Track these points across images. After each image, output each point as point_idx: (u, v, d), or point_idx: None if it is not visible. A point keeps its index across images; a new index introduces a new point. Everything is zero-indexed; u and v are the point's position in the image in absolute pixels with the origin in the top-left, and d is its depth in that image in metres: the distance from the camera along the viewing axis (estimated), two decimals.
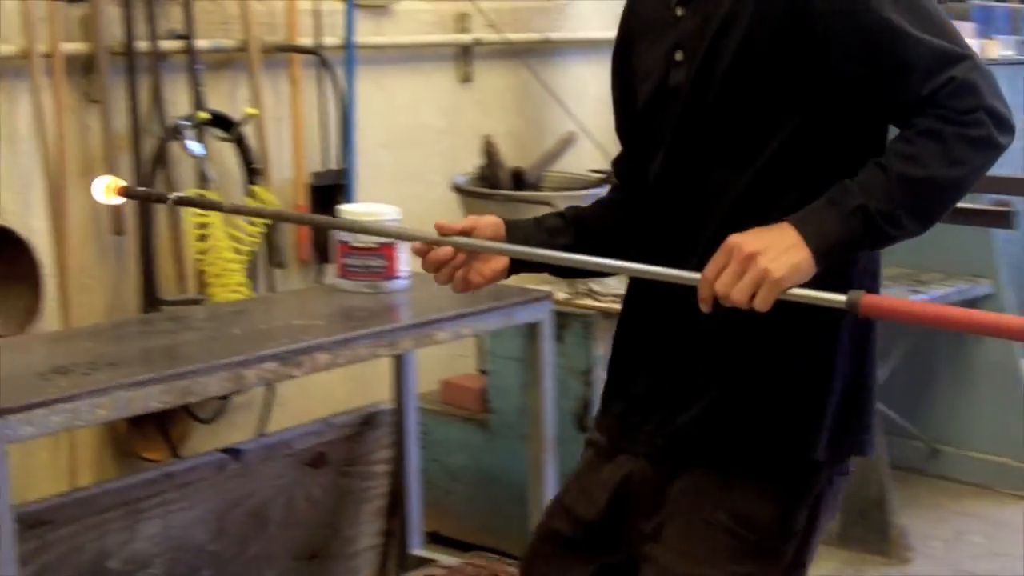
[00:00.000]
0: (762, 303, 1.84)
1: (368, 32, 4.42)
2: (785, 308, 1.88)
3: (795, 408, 2.04)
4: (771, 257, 1.83)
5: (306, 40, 4.19)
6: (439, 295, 3.17)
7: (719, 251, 1.87)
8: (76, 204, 3.69)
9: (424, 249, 2.10)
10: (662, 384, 2.11)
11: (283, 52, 4.15)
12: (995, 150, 1.88)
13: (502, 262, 2.14)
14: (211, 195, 3.87)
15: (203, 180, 3.93)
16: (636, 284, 2.18)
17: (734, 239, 1.86)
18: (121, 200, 2.16)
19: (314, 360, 2.91)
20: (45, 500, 3.01)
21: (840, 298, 1.81)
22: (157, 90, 3.81)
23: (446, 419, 4.29)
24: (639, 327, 2.17)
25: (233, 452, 3.37)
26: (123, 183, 2.14)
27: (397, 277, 3.35)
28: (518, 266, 2.17)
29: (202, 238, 3.84)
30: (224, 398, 3.97)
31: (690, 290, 1.91)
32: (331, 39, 4.26)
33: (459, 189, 4.23)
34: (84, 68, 3.72)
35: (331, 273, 4.25)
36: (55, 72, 3.57)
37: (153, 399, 2.63)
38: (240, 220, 3.93)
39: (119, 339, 2.96)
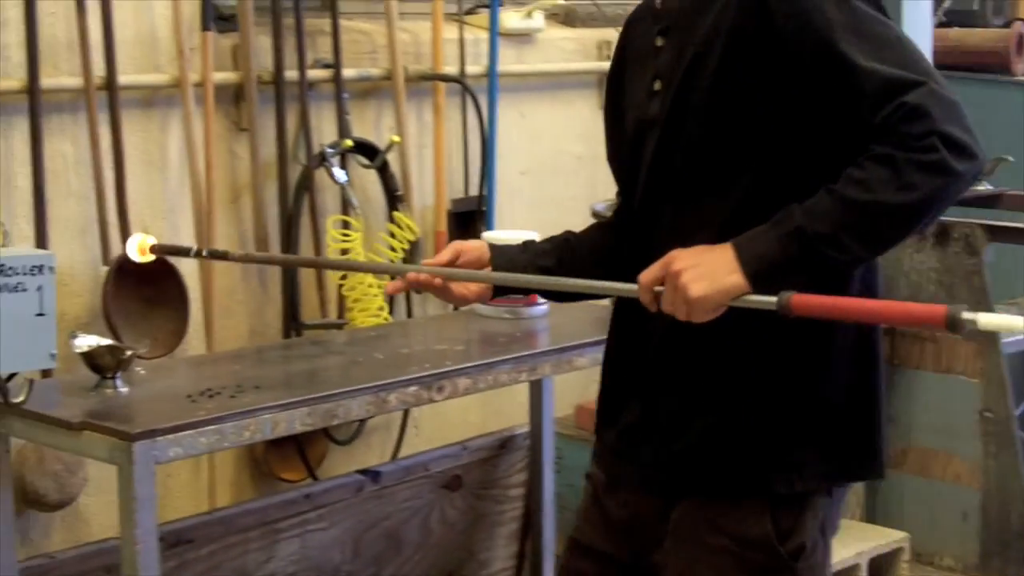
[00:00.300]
0: (694, 319, 1.90)
1: (511, 60, 4.46)
2: (771, 329, 1.93)
3: (769, 440, 2.03)
4: (695, 277, 1.87)
5: (450, 69, 4.23)
6: (578, 321, 3.20)
7: (660, 260, 1.92)
8: (222, 230, 3.76)
9: (410, 283, 2.17)
10: (653, 412, 2.11)
11: (427, 80, 4.19)
12: (952, 176, 1.85)
13: (483, 284, 2.21)
14: (354, 221, 3.94)
15: (346, 207, 3.98)
16: (619, 310, 2.19)
17: (674, 253, 1.91)
18: (150, 258, 2.32)
19: (455, 385, 2.94)
20: (186, 519, 3.07)
21: (771, 299, 1.85)
22: (304, 118, 3.87)
23: (580, 443, 4.28)
24: (625, 354, 2.17)
25: (371, 474, 3.41)
26: (153, 241, 2.31)
27: (536, 303, 3.37)
28: (500, 288, 2.23)
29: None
30: (362, 421, 4.01)
31: (670, 321, 1.94)
32: (474, 68, 4.31)
33: (598, 216, 4.24)
34: (234, 97, 3.80)
35: None
36: (206, 101, 3.65)
37: (297, 421, 2.67)
38: (381, 245, 3.98)
39: (263, 363, 3.01)
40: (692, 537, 2.09)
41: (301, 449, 3.90)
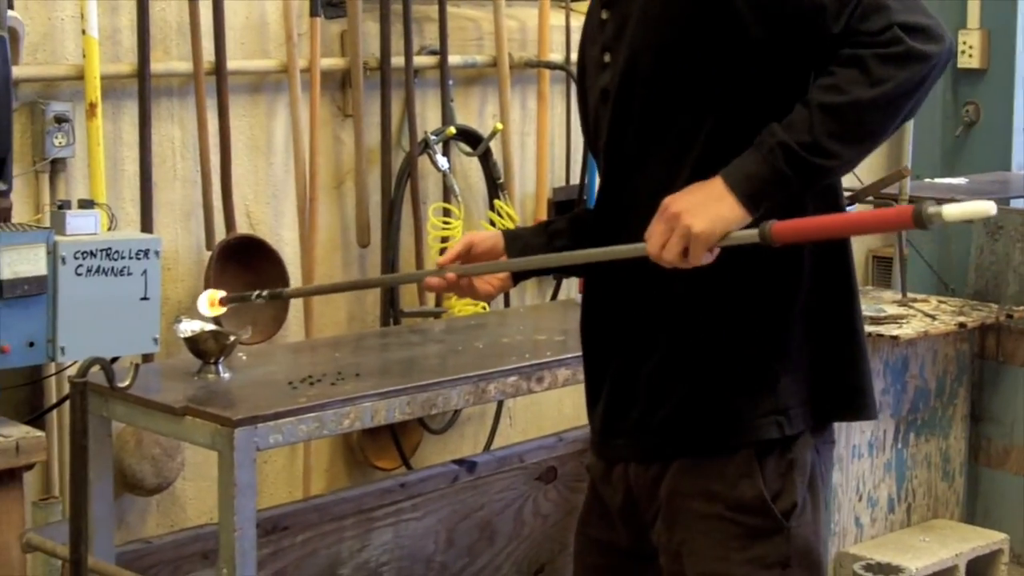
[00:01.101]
0: (693, 259, 1.90)
1: None
2: (740, 280, 1.97)
3: (751, 388, 2.02)
4: (693, 213, 1.88)
5: (556, 56, 4.20)
6: None
7: (656, 213, 1.92)
8: (325, 216, 3.77)
9: (434, 286, 2.20)
10: (633, 382, 2.09)
11: (532, 68, 4.17)
12: (921, 61, 1.87)
13: (503, 274, 2.22)
14: (455, 209, 3.93)
15: (448, 194, 3.98)
16: (588, 290, 2.19)
17: (666, 200, 1.92)
18: (223, 310, 2.39)
19: (555, 375, 2.93)
20: (281, 506, 3.09)
21: (752, 232, 1.87)
22: (409, 105, 3.86)
23: None
24: (598, 330, 2.16)
25: (466, 464, 3.41)
26: (221, 295, 2.38)
27: None
28: (520, 274, 2.25)
29: (444, 251, 3.88)
30: (457, 410, 4.01)
31: (639, 287, 2.01)
32: None
33: None
34: (340, 83, 3.80)
35: (567, 288, 4.28)
36: (312, 86, 3.65)
37: (397, 410, 2.67)
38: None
39: (362, 350, 3.02)
40: (684, 509, 2.07)
41: (396, 438, 3.90)
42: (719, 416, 2.04)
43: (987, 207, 1.77)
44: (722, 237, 1.89)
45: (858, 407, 2.11)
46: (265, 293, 2.27)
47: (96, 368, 2.06)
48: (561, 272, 2.56)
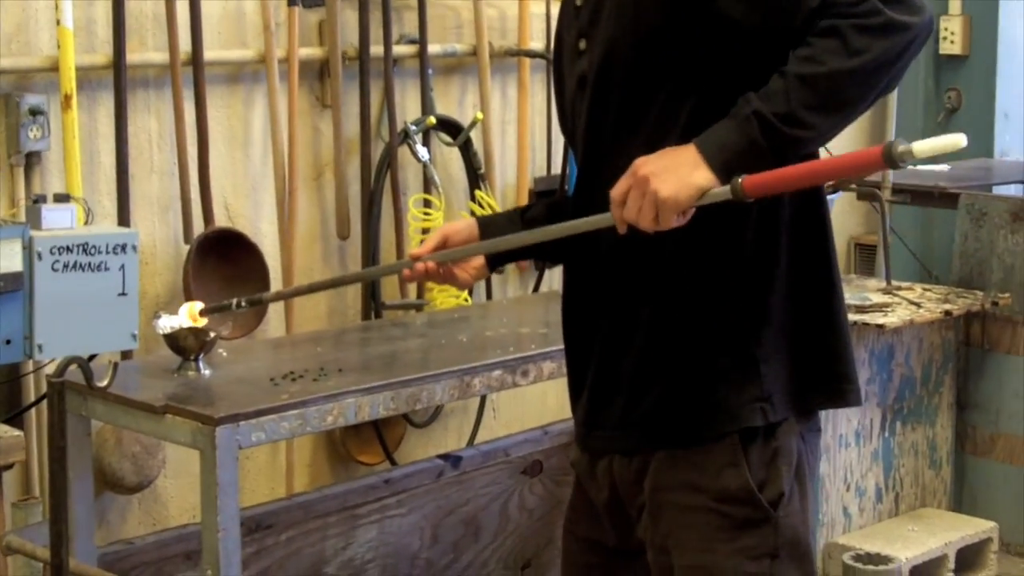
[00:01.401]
0: (663, 223, 1.87)
1: None
2: (719, 264, 1.95)
3: (734, 375, 2.00)
4: (663, 178, 1.85)
5: (536, 44, 4.17)
6: None
7: (625, 174, 1.89)
8: (304, 207, 3.74)
9: (409, 277, 2.22)
10: (615, 375, 2.07)
11: (513, 56, 4.14)
12: (901, 32, 1.85)
13: (479, 259, 2.21)
14: (436, 200, 3.90)
15: (428, 185, 3.94)
16: (568, 281, 2.17)
17: (637, 161, 1.89)
18: (203, 322, 2.52)
19: (540, 369, 2.90)
20: (265, 504, 3.05)
21: (724, 189, 1.85)
22: (388, 95, 3.82)
23: None
24: (579, 324, 2.13)
25: (451, 459, 3.37)
26: (201, 307, 2.51)
27: None
28: (496, 260, 2.23)
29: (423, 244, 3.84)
30: (440, 404, 3.97)
31: (618, 277, 2.00)
32: None
33: None
34: (318, 73, 3.76)
35: (548, 280, 4.24)
36: (290, 77, 3.61)
37: (380, 406, 2.64)
38: None
39: (344, 345, 2.98)
40: (669, 502, 2.04)
41: (379, 432, 3.86)
42: (701, 405, 2.02)
43: (957, 139, 1.75)
44: (690, 204, 1.87)
45: (841, 393, 2.08)
46: (244, 301, 2.27)
47: (74, 367, 2.01)
48: (540, 257, 2.52)
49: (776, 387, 2.02)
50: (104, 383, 2.07)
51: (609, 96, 2.02)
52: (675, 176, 1.86)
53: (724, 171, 1.86)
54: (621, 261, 2.02)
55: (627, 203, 1.89)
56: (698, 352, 2.01)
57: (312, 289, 2.60)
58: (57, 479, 1.94)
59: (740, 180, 1.83)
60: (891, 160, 1.76)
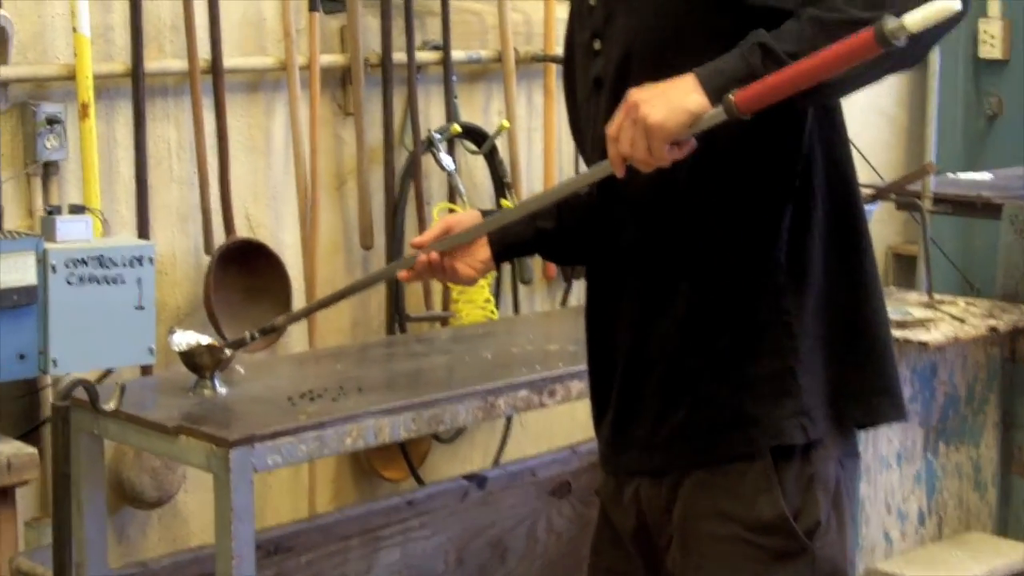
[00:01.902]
0: (655, 153, 1.77)
1: None
2: (752, 271, 1.86)
3: (769, 387, 1.89)
4: (652, 103, 1.76)
5: (562, 50, 4.07)
6: None
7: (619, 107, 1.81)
8: (326, 217, 3.66)
9: (412, 275, 2.11)
10: (640, 391, 1.97)
11: (539, 62, 4.05)
12: None
13: (484, 252, 2.10)
14: (460, 209, 3.82)
15: (453, 194, 3.87)
16: (591, 292, 2.06)
17: (631, 90, 1.80)
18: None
19: (567, 388, 2.81)
20: (285, 526, 2.97)
21: (719, 111, 1.75)
22: (412, 102, 3.75)
23: None
24: (603, 339, 2.03)
25: (476, 479, 3.29)
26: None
27: None
28: (502, 254, 2.13)
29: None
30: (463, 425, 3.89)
31: (642, 285, 1.91)
32: None
33: None
34: (340, 80, 3.69)
35: (577, 293, 4.16)
36: (312, 84, 3.54)
37: (401, 428, 2.55)
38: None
39: (366, 362, 2.90)
40: (699, 532, 1.94)
41: (404, 448, 3.78)
42: (734, 419, 1.91)
43: (950, 3, 1.63)
44: (682, 130, 1.77)
45: (881, 408, 1.98)
46: (257, 333, 2.24)
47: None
48: (553, 257, 2.40)
49: (815, 401, 1.91)
50: (111, 406, 1.98)
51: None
52: (665, 100, 1.76)
53: (716, 95, 1.76)
54: (643, 266, 1.94)
55: (619, 136, 1.80)
56: (729, 364, 1.91)
57: (323, 304, 2.51)
58: (61, 507, 1.86)
59: (731, 96, 1.73)
60: (883, 39, 1.64)
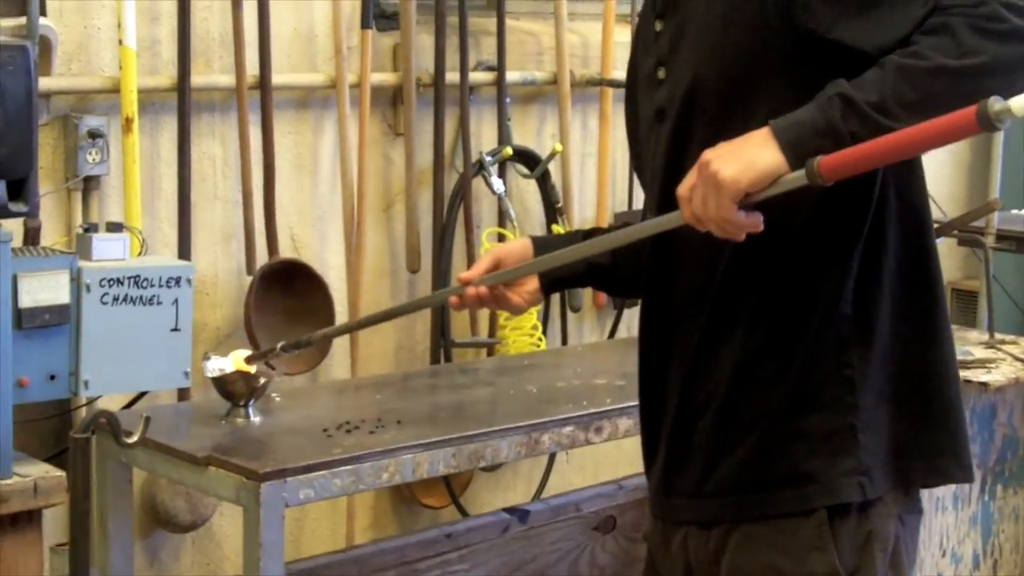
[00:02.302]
0: (724, 213, 1.68)
1: None
2: (817, 317, 1.78)
3: (827, 444, 1.80)
4: (725, 159, 1.69)
5: (620, 74, 3.99)
6: None
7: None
8: (373, 239, 3.60)
9: (460, 304, 2.08)
10: (690, 436, 1.88)
11: (595, 86, 3.98)
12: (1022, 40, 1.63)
13: (533, 283, 2.07)
14: (510, 234, 3.74)
15: (503, 218, 3.79)
16: (644, 330, 1.98)
17: (704, 152, 1.73)
18: (252, 368, 2.45)
19: (615, 425, 2.73)
20: (318, 557, 2.89)
21: (800, 174, 1.67)
22: (464, 123, 3.68)
23: None
24: (654, 377, 1.95)
25: (518, 513, 3.20)
26: (246, 354, 2.45)
27: None
28: (551, 287, 2.09)
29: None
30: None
31: (698, 327, 1.84)
32: None
33: None
34: (391, 99, 3.62)
35: (627, 322, 4.06)
36: (362, 102, 3.47)
37: (441, 463, 2.47)
38: None
39: (407, 392, 2.82)
40: None
41: (445, 476, 3.69)
42: (788, 474, 1.82)
43: None
44: (754, 187, 1.68)
45: (950, 470, 1.88)
46: (290, 344, 2.13)
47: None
48: (605, 287, 2.35)
49: (875, 460, 1.82)
50: (133, 439, 1.90)
51: (692, 129, 1.84)
52: (737, 157, 1.68)
53: (794, 153, 1.67)
54: (698, 310, 1.85)
55: (692, 196, 1.72)
56: (785, 417, 1.82)
57: (360, 326, 2.43)
58: (78, 542, 1.77)
59: (816, 161, 1.64)
60: (986, 121, 1.55)
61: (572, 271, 2.07)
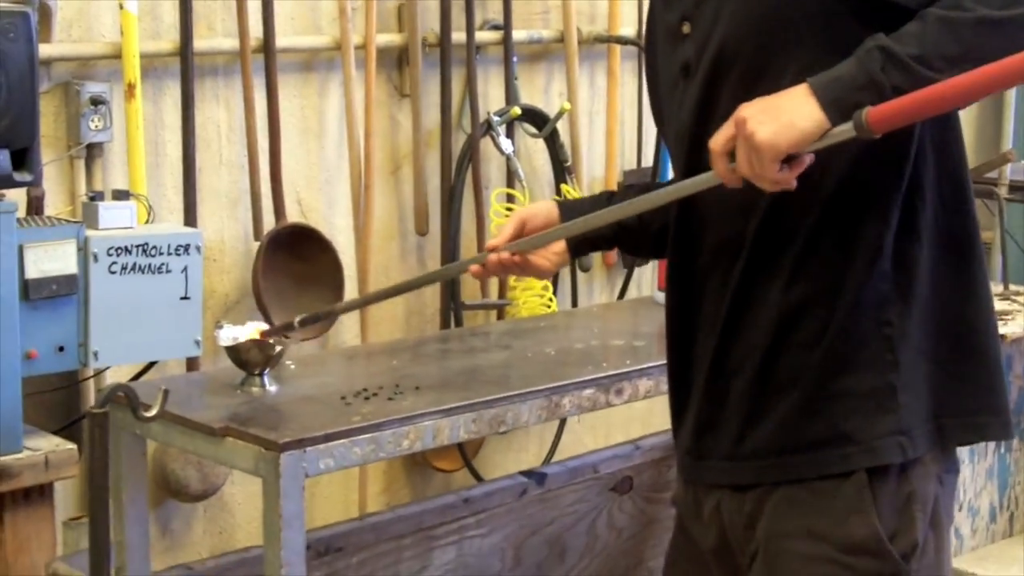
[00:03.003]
0: (766, 172, 1.65)
1: None
2: (849, 277, 1.74)
3: (866, 404, 1.77)
4: (760, 119, 1.64)
5: (627, 30, 3.94)
6: None
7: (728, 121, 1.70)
8: (381, 202, 3.55)
9: (483, 272, 2.07)
10: (724, 397, 1.85)
11: (602, 43, 3.92)
12: None
13: (560, 244, 2.07)
14: (519, 194, 3.70)
15: (511, 178, 3.74)
16: (672, 286, 1.93)
17: (741, 105, 1.68)
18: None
19: (636, 387, 2.68)
20: (335, 525, 2.85)
21: (847, 127, 1.62)
22: (471, 83, 3.63)
23: None
24: (684, 336, 1.91)
25: (535, 476, 3.17)
26: (263, 327, 2.42)
27: None
28: (579, 249, 2.10)
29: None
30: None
31: (728, 299, 1.81)
32: None
33: None
34: (397, 60, 3.57)
35: (636, 281, 4.02)
36: (367, 64, 3.42)
37: (461, 428, 2.42)
38: None
39: (421, 358, 2.78)
40: (786, 551, 1.82)
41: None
42: (828, 435, 1.79)
43: None
44: (795, 147, 1.64)
45: (991, 428, 1.85)
46: (308, 317, 2.16)
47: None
48: (632, 250, 2.31)
49: (915, 419, 1.79)
50: (152, 413, 1.86)
51: (721, 86, 1.79)
52: (775, 116, 1.64)
53: (835, 109, 1.63)
54: (730, 268, 1.81)
55: (717, 144, 1.69)
56: (823, 377, 1.79)
57: (380, 297, 2.40)
58: (99, 522, 1.74)
59: (864, 112, 1.59)
60: None
61: (599, 233, 2.05)
